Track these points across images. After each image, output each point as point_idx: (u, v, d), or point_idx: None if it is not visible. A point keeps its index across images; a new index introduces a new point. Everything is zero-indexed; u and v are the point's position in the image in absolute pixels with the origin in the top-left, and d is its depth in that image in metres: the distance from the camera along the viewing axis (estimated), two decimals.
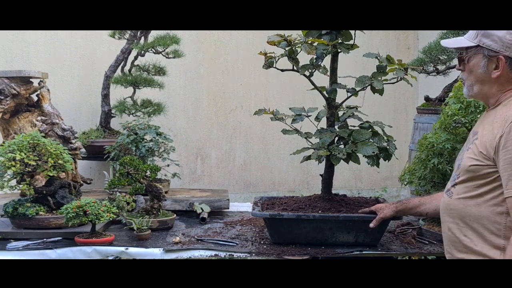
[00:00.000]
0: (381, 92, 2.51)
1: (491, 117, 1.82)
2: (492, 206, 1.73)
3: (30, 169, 2.55)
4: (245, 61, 5.21)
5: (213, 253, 2.45)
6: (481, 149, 1.76)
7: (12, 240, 2.55)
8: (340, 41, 2.50)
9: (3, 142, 2.68)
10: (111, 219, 2.57)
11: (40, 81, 3.19)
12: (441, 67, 3.88)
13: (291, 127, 2.69)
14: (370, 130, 2.59)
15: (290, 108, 2.78)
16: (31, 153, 2.56)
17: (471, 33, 1.83)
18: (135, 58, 4.20)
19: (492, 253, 1.74)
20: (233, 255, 2.45)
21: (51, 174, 2.61)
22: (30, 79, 3.17)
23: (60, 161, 2.62)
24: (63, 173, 2.75)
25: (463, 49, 1.85)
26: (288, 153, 3.28)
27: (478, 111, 2.58)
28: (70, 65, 4.75)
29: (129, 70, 4.21)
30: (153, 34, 4.15)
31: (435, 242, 2.56)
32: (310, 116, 2.72)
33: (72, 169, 2.74)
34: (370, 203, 2.63)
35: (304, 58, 2.51)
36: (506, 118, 1.72)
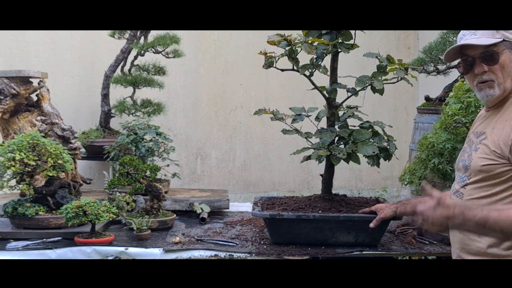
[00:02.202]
0: (381, 92, 2.50)
1: (498, 116, 1.79)
2: (508, 204, 1.71)
3: (29, 169, 2.55)
4: (245, 61, 5.21)
5: (213, 253, 2.45)
6: (494, 148, 1.73)
7: (11, 240, 2.54)
8: (340, 40, 2.50)
9: (3, 142, 2.68)
10: (110, 219, 2.57)
11: (40, 81, 3.19)
12: (441, 67, 3.87)
13: (291, 127, 2.69)
14: (371, 130, 2.59)
15: (290, 108, 2.78)
16: (30, 153, 2.56)
17: (486, 31, 1.79)
18: (135, 57, 4.19)
19: (507, 252, 1.72)
20: (233, 255, 2.45)
21: (50, 174, 2.60)
22: (30, 79, 3.17)
23: (59, 161, 2.61)
24: (63, 173, 2.74)
25: (481, 49, 1.80)
26: (288, 153, 3.28)
27: (478, 111, 2.58)
28: (69, 65, 4.75)
29: (129, 70, 4.21)
30: (153, 33, 4.14)
31: (435, 242, 2.55)
32: (310, 116, 2.72)
33: (71, 169, 2.74)
34: (370, 203, 2.63)
35: (304, 58, 2.50)
36: None
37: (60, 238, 2.58)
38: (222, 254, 2.45)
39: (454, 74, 3.91)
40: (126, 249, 2.47)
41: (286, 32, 2.46)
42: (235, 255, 2.45)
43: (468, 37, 1.83)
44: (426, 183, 1.81)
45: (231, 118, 5.30)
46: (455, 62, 1.97)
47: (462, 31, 1.88)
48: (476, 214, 1.61)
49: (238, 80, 5.27)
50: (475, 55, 1.81)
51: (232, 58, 5.24)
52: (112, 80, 4.09)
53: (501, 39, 1.77)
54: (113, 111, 4.20)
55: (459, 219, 1.63)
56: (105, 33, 4.28)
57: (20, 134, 2.72)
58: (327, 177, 2.65)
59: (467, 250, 1.82)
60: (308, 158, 2.57)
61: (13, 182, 2.62)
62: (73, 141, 3.06)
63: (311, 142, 2.64)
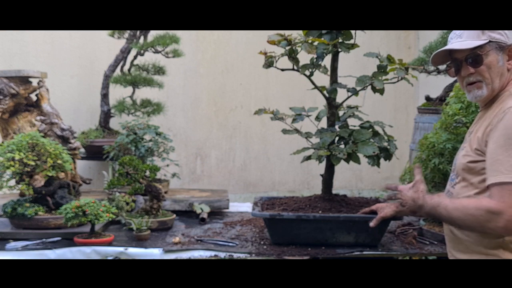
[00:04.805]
0: (381, 91, 2.50)
1: (486, 115, 1.84)
2: None
3: (29, 169, 2.54)
4: (245, 60, 5.20)
5: (213, 253, 2.44)
6: (475, 145, 1.77)
7: (11, 240, 2.54)
8: (340, 40, 2.49)
9: (2, 142, 2.67)
10: (110, 219, 2.56)
11: (39, 80, 3.18)
12: (442, 67, 3.86)
13: (291, 127, 2.68)
14: (371, 130, 2.59)
15: (290, 108, 2.77)
16: (30, 153, 2.55)
17: (472, 32, 1.82)
18: (135, 57, 4.18)
19: (493, 252, 1.73)
20: (233, 255, 2.44)
21: (50, 174, 2.60)
22: (29, 79, 3.16)
23: (59, 161, 2.61)
24: (62, 173, 2.74)
25: (466, 52, 1.82)
26: (288, 153, 3.27)
27: (478, 111, 2.57)
28: (69, 64, 4.74)
29: (129, 70, 4.20)
30: (153, 33, 4.13)
31: (435, 243, 2.55)
32: (310, 115, 2.72)
33: (71, 169, 2.73)
34: (370, 203, 2.63)
35: (304, 57, 2.49)
36: (496, 113, 1.75)
37: (59, 238, 2.58)
38: (222, 255, 2.44)
39: None
40: (126, 249, 2.46)
41: (286, 32, 2.45)
42: (235, 256, 2.44)
43: (454, 40, 1.88)
44: (417, 166, 1.99)
45: (231, 118, 5.29)
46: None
47: (452, 32, 1.91)
48: (431, 198, 1.79)
49: (238, 79, 5.26)
50: (462, 57, 1.85)
51: (232, 57, 5.23)
52: (112, 80, 4.08)
53: (487, 41, 1.80)
54: (112, 111, 4.18)
55: (420, 201, 1.83)
56: (104, 33, 4.27)
57: (20, 134, 2.71)
58: (327, 177, 2.64)
59: (458, 248, 1.84)
60: (308, 158, 2.56)
61: (12, 182, 2.61)
62: (72, 141, 3.05)
63: (311, 142, 2.63)
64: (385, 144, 2.55)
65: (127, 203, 2.93)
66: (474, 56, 1.81)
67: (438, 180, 2.69)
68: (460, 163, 1.82)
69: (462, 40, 1.84)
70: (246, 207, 3.46)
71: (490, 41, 1.79)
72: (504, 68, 1.82)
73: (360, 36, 2.51)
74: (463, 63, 1.85)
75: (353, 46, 2.51)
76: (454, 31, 1.90)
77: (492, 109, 1.80)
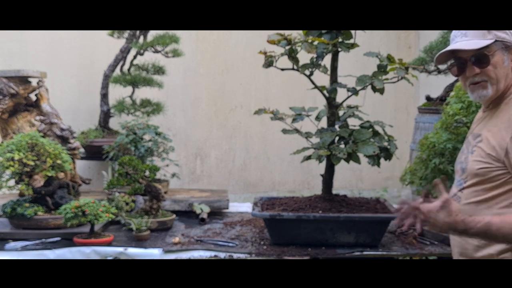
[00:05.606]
0: (381, 91, 2.49)
1: (494, 118, 1.78)
2: (504, 207, 1.69)
3: (28, 169, 2.54)
4: (244, 60, 5.19)
5: (213, 253, 2.44)
6: (489, 151, 1.71)
7: (10, 241, 2.53)
8: (340, 40, 2.49)
9: (2, 142, 2.67)
10: (109, 219, 2.55)
11: (39, 80, 3.18)
12: (442, 66, 3.86)
13: (291, 127, 2.67)
14: (371, 129, 2.58)
15: (290, 108, 2.77)
16: (29, 153, 2.55)
17: (478, 31, 1.77)
18: (134, 57, 4.18)
19: (502, 256, 1.71)
20: (232, 255, 2.43)
21: (49, 174, 2.59)
22: (29, 79, 3.16)
23: (58, 161, 2.60)
24: (62, 173, 2.73)
25: (472, 51, 1.77)
26: (288, 153, 3.26)
27: (479, 110, 2.56)
28: (68, 64, 4.73)
29: (128, 70, 4.19)
30: (152, 33, 4.13)
31: (436, 243, 2.54)
32: (310, 115, 2.71)
33: (70, 169, 2.73)
34: (371, 203, 2.63)
35: (304, 57, 2.49)
36: (508, 117, 1.69)
37: (59, 238, 2.57)
38: (222, 255, 2.44)
39: None
40: (126, 249, 2.46)
41: (286, 32, 2.45)
42: (235, 256, 2.43)
43: (459, 39, 1.82)
44: (439, 181, 1.72)
45: (231, 118, 5.29)
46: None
47: (454, 31, 1.86)
48: (478, 221, 1.60)
49: (238, 79, 5.25)
50: (466, 57, 1.79)
51: (231, 57, 5.22)
52: (111, 80, 4.08)
53: (493, 40, 1.75)
54: (112, 110, 4.18)
55: (460, 226, 1.61)
56: (104, 33, 4.26)
57: (19, 134, 2.70)
58: (328, 177, 2.64)
59: (466, 254, 1.80)
60: (308, 158, 2.56)
61: (12, 182, 2.61)
62: (72, 141, 3.05)
63: (311, 142, 2.63)
64: (386, 144, 2.55)
65: (127, 203, 2.93)
66: (481, 56, 1.76)
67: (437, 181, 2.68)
68: (472, 167, 1.76)
69: (467, 39, 1.78)
70: (246, 207, 3.45)
71: (496, 41, 1.75)
72: (509, 68, 1.78)
73: (360, 36, 2.50)
74: (468, 62, 1.79)
75: (353, 45, 2.51)
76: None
77: (502, 112, 1.75)
